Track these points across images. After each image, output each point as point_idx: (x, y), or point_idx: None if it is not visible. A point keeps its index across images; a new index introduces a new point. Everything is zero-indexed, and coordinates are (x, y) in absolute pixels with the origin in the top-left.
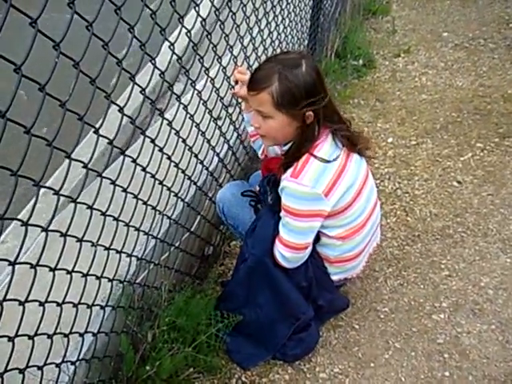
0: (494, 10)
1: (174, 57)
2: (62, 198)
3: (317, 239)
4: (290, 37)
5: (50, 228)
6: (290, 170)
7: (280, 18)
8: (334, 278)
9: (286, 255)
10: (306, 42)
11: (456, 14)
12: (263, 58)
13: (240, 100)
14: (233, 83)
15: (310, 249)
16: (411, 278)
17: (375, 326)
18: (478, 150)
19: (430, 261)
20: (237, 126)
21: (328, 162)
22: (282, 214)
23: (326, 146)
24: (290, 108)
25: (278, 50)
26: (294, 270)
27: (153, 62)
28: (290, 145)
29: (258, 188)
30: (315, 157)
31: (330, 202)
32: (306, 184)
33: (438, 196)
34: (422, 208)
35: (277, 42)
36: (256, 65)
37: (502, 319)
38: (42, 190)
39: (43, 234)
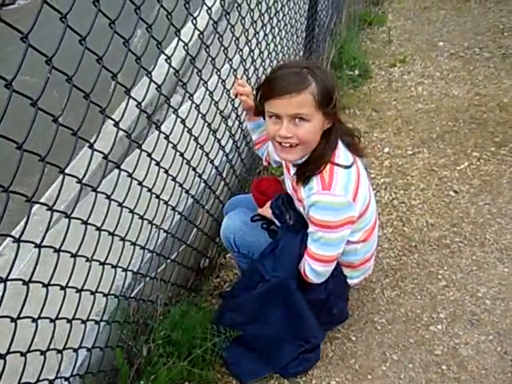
0: (489, 19)
1: (172, 69)
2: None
3: None
4: (286, 48)
5: (45, 241)
6: (316, 183)
7: (277, 29)
8: (356, 280)
9: (319, 270)
10: (302, 52)
11: (451, 24)
12: (261, 70)
13: (240, 112)
14: (233, 96)
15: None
16: (408, 289)
17: (372, 338)
18: (474, 159)
19: (427, 271)
20: (235, 139)
21: (349, 167)
22: (313, 229)
23: (342, 152)
24: (327, 107)
25: (275, 62)
26: (315, 284)
27: (149, 75)
28: (306, 157)
29: (260, 211)
30: (338, 165)
31: (357, 207)
32: (339, 193)
33: (434, 206)
34: (418, 218)
35: (273, 54)
36: (254, 77)
37: (500, 330)
38: (35, 207)
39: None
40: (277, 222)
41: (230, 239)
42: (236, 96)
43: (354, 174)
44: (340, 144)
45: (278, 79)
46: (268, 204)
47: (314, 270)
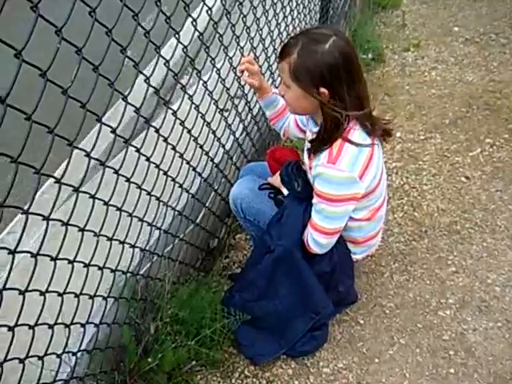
0: (506, 4)
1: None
2: (69, 189)
3: None
4: (298, 29)
5: (55, 217)
6: (324, 156)
7: (288, 9)
8: (359, 256)
9: (322, 241)
10: None
11: (467, 9)
12: (270, 49)
13: (247, 91)
14: (239, 73)
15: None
16: (417, 274)
17: (380, 322)
18: (487, 146)
19: (436, 257)
20: (243, 118)
21: (362, 145)
22: (316, 200)
23: (358, 130)
24: (303, 82)
25: None
26: (319, 256)
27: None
28: (319, 128)
29: (270, 179)
30: (349, 141)
31: (364, 184)
32: (344, 169)
33: (445, 191)
34: (429, 203)
35: (285, 34)
36: (263, 56)
37: (509, 317)
38: (50, 181)
39: (50, 223)
40: (284, 190)
41: (238, 205)
42: (242, 72)
43: (366, 153)
44: (358, 123)
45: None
46: (278, 173)
47: (317, 240)
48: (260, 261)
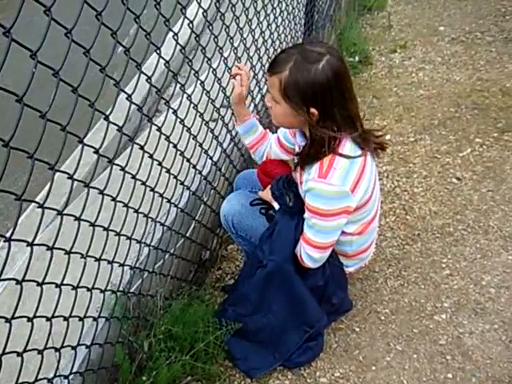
0: (491, 2)
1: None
2: (52, 213)
3: None
4: (283, 35)
5: (40, 241)
6: (314, 170)
7: (272, 16)
8: (352, 269)
9: (315, 256)
10: (301, 40)
11: (452, 8)
12: (255, 57)
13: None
14: (231, 75)
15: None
16: (412, 278)
17: (376, 328)
18: (477, 146)
19: (430, 260)
20: (230, 129)
21: (353, 158)
22: (308, 215)
23: (349, 143)
24: (293, 101)
25: (272, 50)
26: (312, 270)
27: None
28: (305, 144)
29: (261, 194)
30: (341, 155)
31: (356, 198)
32: (335, 183)
33: (437, 193)
34: (421, 206)
35: (269, 41)
36: (248, 64)
37: (505, 318)
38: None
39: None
40: (276, 204)
41: (229, 221)
42: (234, 77)
43: (358, 165)
44: (348, 137)
45: (276, 56)
46: (269, 187)
47: (310, 255)
48: (253, 275)
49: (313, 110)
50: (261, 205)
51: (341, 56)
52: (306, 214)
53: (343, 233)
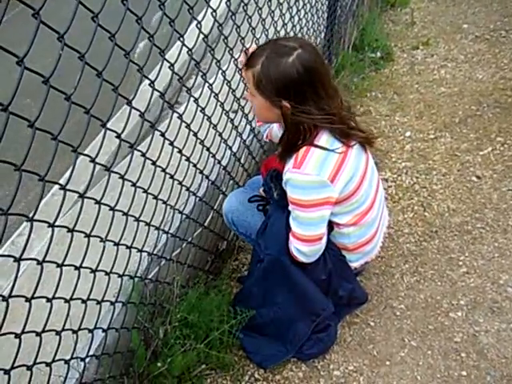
0: None
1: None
2: (73, 195)
3: (329, 230)
4: (305, 29)
5: (61, 223)
6: (291, 162)
7: (294, 9)
8: (356, 264)
9: (303, 249)
10: (323, 34)
11: (477, 5)
12: None
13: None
14: (240, 65)
15: (325, 240)
16: (428, 275)
17: (391, 324)
18: (498, 145)
19: (447, 257)
20: (250, 120)
21: (329, 150)
22: (291, 207)
23: (325, 135)
24: (266, 93)
25: None
26: (312, 264)
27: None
28: (280, 136)
29: (261, 190)
30: (316, 146)
31: (337, 188)
32: (310, 172)
33: (456, 191)
34: (439, 203)
35: (292, 34)
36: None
37: None
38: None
39: (56, 229)
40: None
41: (229, 219)
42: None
43: (335, 157)
44: (327, 130)
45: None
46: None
47: (298, 249)
48: (255, 270)
49: (285, 103)
50: (259, 201)
51: (316, 51)
52: (290, 207)
53: (337, 224)
